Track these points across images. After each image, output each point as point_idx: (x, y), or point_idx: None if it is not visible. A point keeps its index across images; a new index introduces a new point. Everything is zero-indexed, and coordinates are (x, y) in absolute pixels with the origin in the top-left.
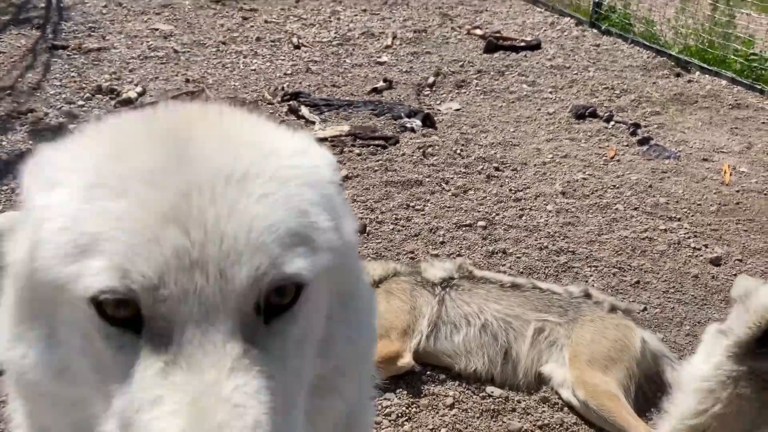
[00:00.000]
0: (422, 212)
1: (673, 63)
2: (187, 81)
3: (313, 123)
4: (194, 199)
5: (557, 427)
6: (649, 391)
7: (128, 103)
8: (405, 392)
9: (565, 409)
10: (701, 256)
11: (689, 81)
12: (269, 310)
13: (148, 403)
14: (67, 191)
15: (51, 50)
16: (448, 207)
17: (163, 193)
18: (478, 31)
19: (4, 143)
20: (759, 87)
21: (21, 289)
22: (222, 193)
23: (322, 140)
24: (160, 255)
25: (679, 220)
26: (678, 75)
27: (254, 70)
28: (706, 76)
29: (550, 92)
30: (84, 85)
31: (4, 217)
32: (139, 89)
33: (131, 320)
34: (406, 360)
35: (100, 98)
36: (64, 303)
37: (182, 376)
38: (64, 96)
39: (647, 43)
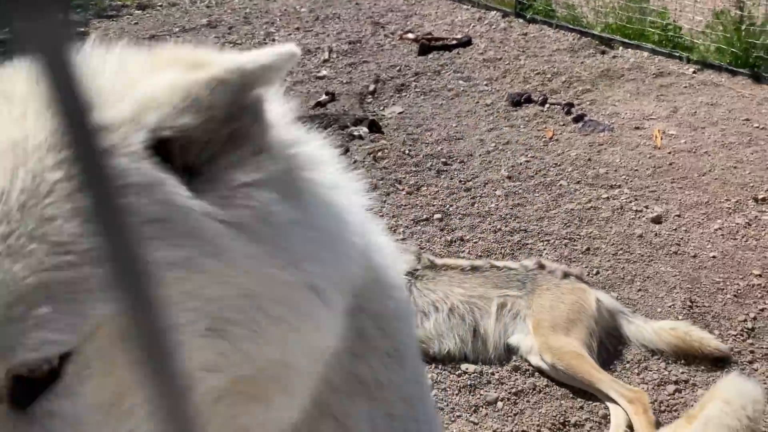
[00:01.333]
0: (380, 213)
1: (597, 42)
2: None
3: None
4: None
5: (531, 391)
6: (610, 345)
7: None
8: None
9: (536, 374)
10: (643, 216)
11: (614, 57)
12: (19, 390)
13: None
14: None
15: None
16: (404, 205)
17: None
18: (410, 35)
19: None
20: (677, 54)
21: None
22: None
23: None
24: None
25: (619, 186)
26: (603, 52)
27: None
28: (629, 50)
29: (486, 84)
30: None
31: None
32: None
33: None
34: None
35: None
36: None
37: None
38: None
39: (571, 26)
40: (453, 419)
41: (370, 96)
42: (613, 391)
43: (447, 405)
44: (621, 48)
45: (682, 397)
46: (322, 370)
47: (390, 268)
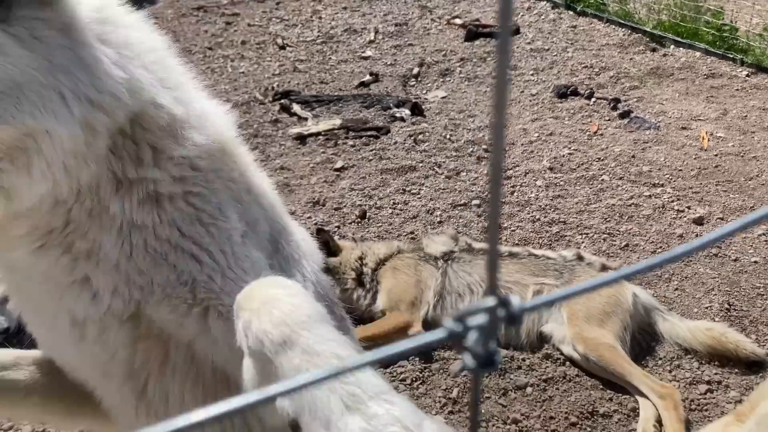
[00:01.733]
0: (418, 195)
1: (648, 38)
2: None
3: (306, 119)
4: None
5: (561, 379)
6: (643, 341)
7: None
8: (417, 359)
9: (567, 363)
10: (684, 217)
11: (664, 55)
12: None
13: None
14: None
15: None
16: (443, 189)
17: None
18: (458, 21)
19: None
20: (731, 56)
21: None
22: None
23: (316, 134)
24: None
25: (662, 185)
26: (653, 50)
27: (243, 72)
28: (681, 49)
29: (532, 74)
30: None
31: None
32: None
33: None
34: (417, 329)
35: None
36: None
37: None
38: None
39: (622, 21)
40: (482, 400)
41: (413, 79)
42: (645, 386)
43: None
44: (672, 46)
45: (714, 398)
46: (77, 163)
47: (179, 109)
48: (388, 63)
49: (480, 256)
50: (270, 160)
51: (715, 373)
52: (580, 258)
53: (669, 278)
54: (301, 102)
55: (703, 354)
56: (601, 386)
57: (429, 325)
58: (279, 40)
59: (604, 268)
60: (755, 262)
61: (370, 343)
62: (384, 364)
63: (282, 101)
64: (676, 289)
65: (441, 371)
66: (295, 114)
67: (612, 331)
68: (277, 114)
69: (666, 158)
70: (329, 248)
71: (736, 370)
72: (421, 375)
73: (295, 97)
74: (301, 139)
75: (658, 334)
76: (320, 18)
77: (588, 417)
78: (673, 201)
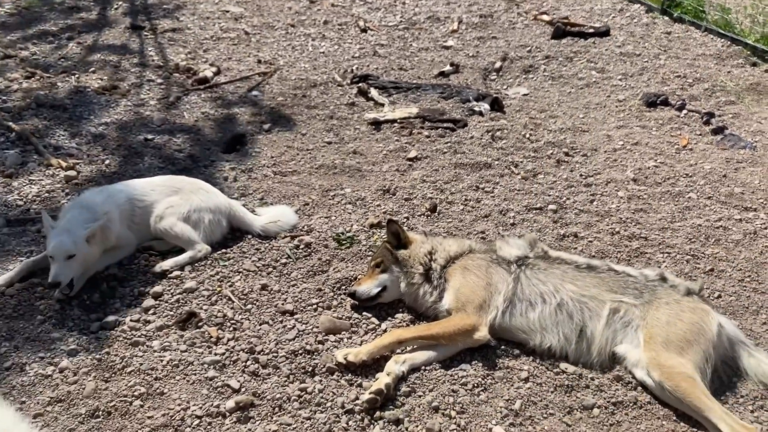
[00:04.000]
0: (492, 194)
1: (749, 52)
2: (259, 62)
3: (382, 105)
4: None
5: (631, 404)
6: (724, 375)
7: (204, 81)
8: (480, 364)
9: (639, 388)
10: None
11: (766, 71)
12: None
13: None
14: None
15: (129, 30)
16: (518, 190)
17: None
18: (545, 17)
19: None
20: None
21: None
22: None
23: (391, 121)
24: None
25: (755, 210)
26: (754, 64)
27: (323, 52)
28: None
29: (620, 79)
30: (161, 64)
31: None
32: (214, 69)
33: None
34: (482, 333)
35: (178, 77)
36: None
37: None
38: (144, 74)
39: (722, 31)
40: (545, 416)
41: (494, 73)
42: (724, 423)
43: (541, 401)
44: None
45: None
46: None
47: None
48: (470, 54)
49: (556, 265)
50: (344, 143)
51: None
52: (663, 279)
53: (757, 311)
54: (379, 87)
55: None
56: (674, 418)
57: (496, 332)
58: (361, 23)
59: (689, 293)
60: None
61: (433, 342)
62: (444, 365)
63: (360, 85)
64: (764, 323)
65: (505, 380)
66: (372, 99)
67: (692, 361)
68: (354, 97)
69: (761, 181)
70: (399, 239)
71: None
72: (483, 381)
73: (373, 82)
74: (376, 124)
75: (741, 370)
76: (404, 3)
77: None
78: (766, 227)
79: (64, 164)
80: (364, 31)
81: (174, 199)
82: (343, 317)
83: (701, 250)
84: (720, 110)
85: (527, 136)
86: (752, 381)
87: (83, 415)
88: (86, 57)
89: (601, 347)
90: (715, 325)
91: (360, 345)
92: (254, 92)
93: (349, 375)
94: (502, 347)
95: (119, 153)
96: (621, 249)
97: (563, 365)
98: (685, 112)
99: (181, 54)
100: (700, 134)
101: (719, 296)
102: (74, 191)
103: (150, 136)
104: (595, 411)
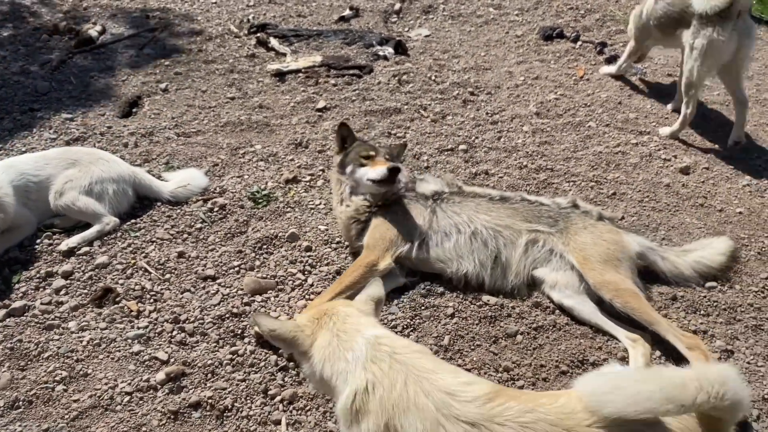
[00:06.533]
0: (404, 139)
1: None
2: (147, 17)
3: (284, 55)
4: None
5: (551, 327)
6: (643, 287)
7: (89, 42)
8: (407, 306)
9: (557, 311)
10: (671, 166)
11: None
12: None
13: None
14: None
15: None
16: (429, 133)
17: None
18: None
19: None
20: None
21: None
22: None
23: (296, 72)
24: None
25: (648, 133)
26: None
27: (215, 2)
28: None
29: (517, 14)
30: (38, 26)
31: None
32: (98, 28)
33: None
34: (386, 263)
35: (58, 38)
36: None
37: None
38: (20, 39)
39: None
40: (473, 348)
41: (395, 15)
42: (672, 335)
43: (467, 334)
44: None
45: None
46: None
47: None
48: None
49: (470, 198)
50: (248, 97)
51: (701, 323)
52: (575, 206)
53: (656, 228)
54: (279, 36)
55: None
56: (590, 335)
57: (414, 264)
58: None
59: (600, 217)
60: (740, 212)
61: (351, 290)
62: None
63: (258, 35)
64: (663, 238)
65: (432, 319)
66: (272, 49)
67: (629, 277)
68: (253, 48)
69: (652, 105)
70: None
71: (722, 320)
72: (411, 323)
73: (273, 31)
74: (280, 76)
75: (657, 274)
76: None
77: (578, 365)
78: (659, 149)
79: None
80: None
81: (72, 172)
82: (268, 276)
83: (603, 175)
84: (611, 39)
85: (433, 78)
86: (656, 292)
87: (2, 408)
88: None
89: (518, 272)
90: (632, 243)
91: (287, 302)
92: (146, 50)
93: None
94: (427, 287)
95: (4, 126)
96: (530, 182)
97: (485, 297)
98: (579, 43)
99: (59, 14)
100: (595, 64)
101: (622, 218)
102: None
103: (37, 106)
104: (519, 338)
